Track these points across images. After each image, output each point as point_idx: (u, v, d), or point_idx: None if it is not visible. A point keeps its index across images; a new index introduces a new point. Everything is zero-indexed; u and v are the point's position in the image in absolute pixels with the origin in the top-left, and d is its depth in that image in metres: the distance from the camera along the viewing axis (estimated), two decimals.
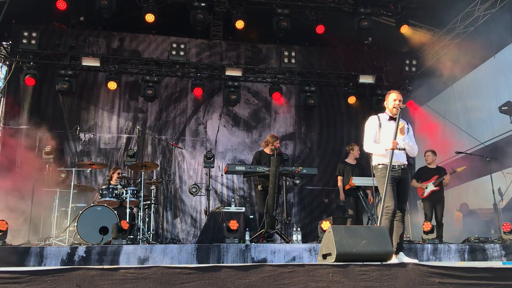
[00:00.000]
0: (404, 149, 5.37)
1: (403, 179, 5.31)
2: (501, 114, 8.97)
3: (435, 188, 8.58)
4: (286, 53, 11.02)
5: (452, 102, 10.72)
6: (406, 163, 5.39)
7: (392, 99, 5.39)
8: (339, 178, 8.65)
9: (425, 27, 10.83)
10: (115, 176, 8.59)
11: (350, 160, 8.78)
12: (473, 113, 10.04)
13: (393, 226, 5.09)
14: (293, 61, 11.05)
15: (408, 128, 5.46)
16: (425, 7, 10.36)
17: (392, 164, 5.12)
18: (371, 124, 5.45)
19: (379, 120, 5.42)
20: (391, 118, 5.37)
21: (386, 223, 4.99)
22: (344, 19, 10.68)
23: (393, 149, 5.11)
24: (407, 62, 11.50)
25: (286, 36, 10.66)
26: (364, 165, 8.62)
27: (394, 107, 5.30)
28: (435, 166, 8.86)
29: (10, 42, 10.60)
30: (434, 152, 8.90)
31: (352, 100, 11.55)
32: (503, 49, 9.17)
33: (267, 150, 8.44)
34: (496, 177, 8.54)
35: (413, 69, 11.53)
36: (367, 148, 5.45)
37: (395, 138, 5.13)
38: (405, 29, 10.30)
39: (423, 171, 8.90)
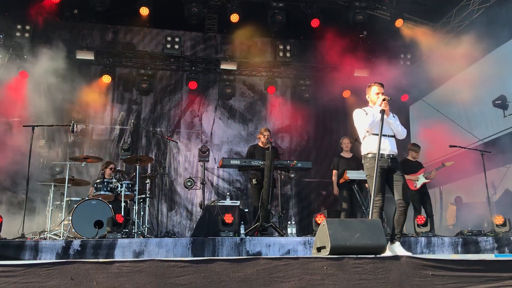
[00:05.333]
0: (393, 136, 5.30)
1: (394, 168, 5.17)
2: (500, 111, 9.01)
3: (427, 181, 8.63)
4: (281, 47, 11.01)
5: (449, 97, 10.73)
6: (396, 152, 5.27)
7: (375, 93, 5.33)
8: (334, 172, 8.68)
9: (419, 21, 10.83)
10: (108, 171, 8.59)
11: (345, 153, 8.80)
12: (471, 109, 10.06)
13: (383, 221, 5.07)
14: (288, 54, 11.05)
15: (394, 115, 5.38)
16: (419, 0, 10.36)
17: (381, 152, 4.99)
18: (360, 112, 5.34)
19: (365, 111, 5.35)
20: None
21: (375, 216, 4.95)
22: (339, 12, 10.67)
23: (384, 100, 5.07)
24: (402, 56, 11.52)
25: (281, 30, 10.64)
26: (360, 159, 8.60)
27: (383, 101, 5.14)
28: (416, 160, 8.92)
29: (3, 35, 10.51)
30: (419, 146, 8.95)
31: (347, 94, 11.58)
32: (503, 43, 9.15)
33: (261, 144, 8.49)
34: (490, 171, 8.58)
35: (408, 63, 11.56)
36: (362, 126, 5.25)
37: (382, 123, 5.03)
38: (400, 23, 10.30)
39: (408, 163, 8.85)
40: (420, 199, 8.64)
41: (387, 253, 4.48)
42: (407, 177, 8.60)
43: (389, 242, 5.16)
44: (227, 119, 11.65)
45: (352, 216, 8.26)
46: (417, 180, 8.64)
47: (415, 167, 8.77)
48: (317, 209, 10.72)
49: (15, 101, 10.29)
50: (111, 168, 8.62)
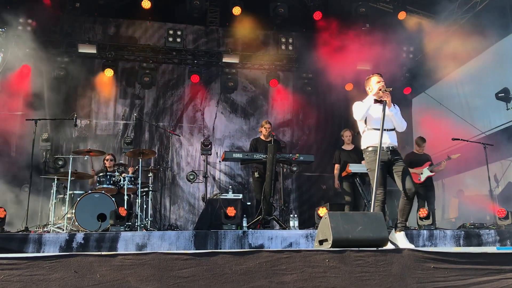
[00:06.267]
0: (393, 129, 5.28)
1: (395, 160, 5.11)
2: (502, 103, 8.98)
3: (431, 174, 8.63)
4: (283, 40, 10.99)
5: (451, 90, 10.69)
6: (396, 144, 5.20)
7: (376, 82, 5.22)
8: (336, 166, 8.63)
9: (422, 13, 10.77)
10: (105, 162, 8.61)
11: (346, 146, 8.76)
12: (473, 102, 10.02)
13: (385, 214, 5.04)
14: (290, 47, 11.02)
15: (395, 105, 5.28)
16: None
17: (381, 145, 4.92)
18: (359, 104, 5.27)
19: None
20: (377, 101, 5.17)
21: (377, 210, 4.90)
22: (342, 5, 10.61)
23: (381, 90, 5.02)
24: (405, 48, 11.47)
25: (283, 23, 10.60)
26: (361, 150, 8.55)
27: (385, 90, 5.06)
28: (423, 153, 8.90)
29: (5, 28, 10.51)
30: (424, 139, 8.93)
31: (349, 87, 11.55)
32: (507, 36, 9.09)
33: (263, 137, 8.49)
34: (493, 164, 8.58)
35: (411, 55, 11.51)
36: (358, 116, 5.18)
37: (384, 113, 5.00)
38: (402, 15, 10.25)
39: (413, 157, 8.88)
40: (424, 192, 8.64)
41: (389, 245, 4.49)
42: (412, 170, 8.62)
43: (392, 230, 5.17)
44: (229, 114, 11.66)
45: (355, 209, 8.26)
46: (422, 174, 8.64)
47: (421, 160, 8.77)
48: (318, 203, 10.72)
49: (18, 94, 10.31)
50: (107, 160, 8.64)
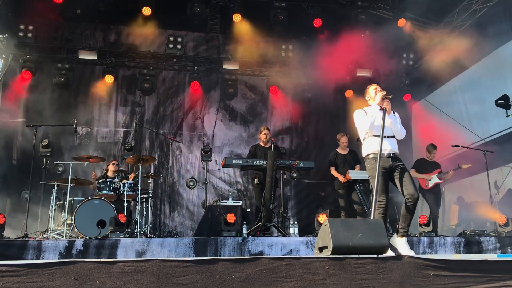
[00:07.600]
0: (393, 136, 5.25)
1: (397, 166, 5.09)
2: (502, 110, 8.98)
3: (440, 181, 8.64)
4: (283, 46, 11.02)
5: (451, 97, 10.71)
6: (397, 151, 5.19)
7: (374, 88, 5.28)
8: (332, 168, 8.58)
9: (422, 20, 10.82)
10: (110, 167, 8.60)
11: (341, 150, 8.71)
12: (473, 109, 10.03)
13: (386, 221, 5.03)
14: (290, 54, 11.05)
15: (394, 113, 5.29)
16: (422, 0, 10.34)
17: (382, 152, 4.92)
18: (360, 113, 5.28)
19: (365, 112, 5.29)
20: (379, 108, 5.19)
21: (379, 217, 4.88)
22: (342, 12, 10.66)
23: (384, 99, 5.03)
24: (404, 55, 11.50)
25: (283, 30, 10.64)
26: (356, 151, 8.54)
27: (386, 97, 5.09)
28: (434, 160, 8.91)
29: (6, 35, 10.54)
30: (435, 146, 8.93)
31: (349, 93, 11.57)
32: (506, 43, 9.12)
33: (262, 143, 8.49)
34: (493, 170, 8.58)
35: (410, 62, 11.54)
36: (366, 126, 5.14)
37: (384, 121, 4.99)
38: (402, 23, 10.29)
39: (423, 163, 8.89)
40: (434, 198, 8.65)
41: (389, 253, 4.47)
42: (421, 176, 8.64)
43: (394, 234, 5.15)
44: (229, 121, 11.65)
45: (352, 212, 8.21)
46: (430, 180, 8.64)
47: (431, 167, 8.78)
48: (316, 210, 10.69)
49: (18, 100, 10.32)
50: (113, 164, 8.64)
